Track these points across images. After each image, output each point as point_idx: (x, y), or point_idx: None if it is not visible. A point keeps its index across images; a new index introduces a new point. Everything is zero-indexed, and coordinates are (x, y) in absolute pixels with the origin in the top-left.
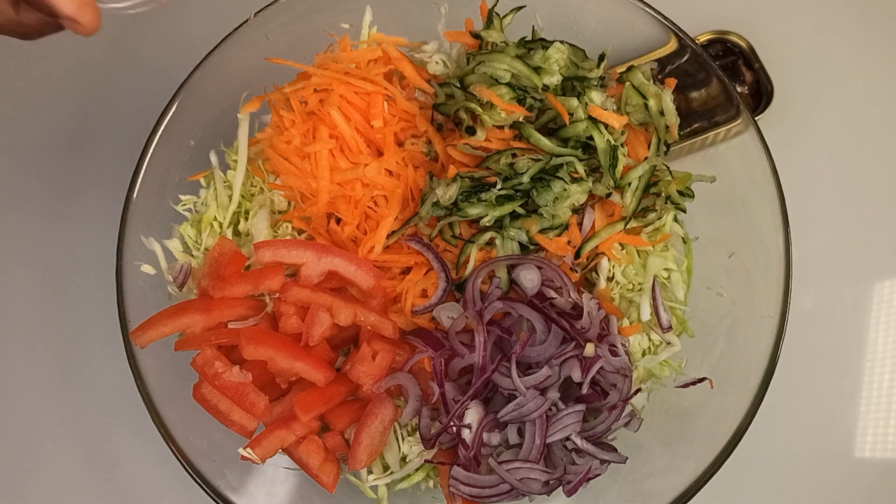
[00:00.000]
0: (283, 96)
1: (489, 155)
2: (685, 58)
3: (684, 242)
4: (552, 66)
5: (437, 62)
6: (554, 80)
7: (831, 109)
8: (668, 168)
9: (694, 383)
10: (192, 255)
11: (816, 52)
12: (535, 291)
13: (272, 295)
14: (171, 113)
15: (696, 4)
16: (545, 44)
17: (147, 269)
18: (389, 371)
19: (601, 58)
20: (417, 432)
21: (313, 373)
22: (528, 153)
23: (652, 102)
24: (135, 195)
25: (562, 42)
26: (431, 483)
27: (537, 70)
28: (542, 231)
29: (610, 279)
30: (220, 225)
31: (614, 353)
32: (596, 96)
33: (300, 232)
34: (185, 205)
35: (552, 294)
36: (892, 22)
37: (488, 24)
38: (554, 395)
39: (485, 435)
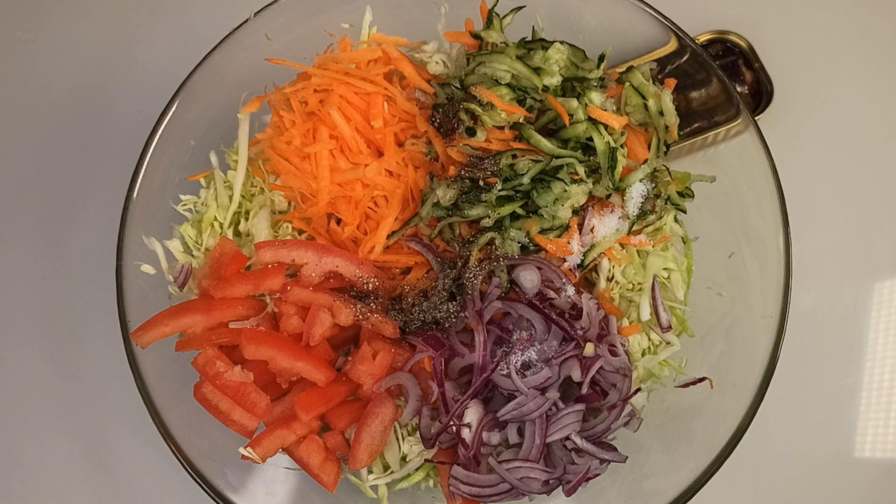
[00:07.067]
0: (283, 96)
1: (489, 156)
2: (685, 58)
3: (684, 242)
4: (552, 66)
5: (437, 62)
6: (554, 80)
7: (831, 109)
8: (668, 168)
9: (694, 383)
10: (193, 256)
11: (816, 52)
12: (535, 292)
13: (273, 295)
14: (171, 113)
15: (696, 4)
16: (545, 44)
17: (147, 269)
18: (390, 371)
19: (601, 58)
20: (417, 432)
21: (314, 372)
22: (528, 154)
23: (651, 103)
24: (135, 195)
25: (562, 42)
26: (431, 482)
27: (537, 71)
28: (542, 232)
29: (610, 279)
30: (221, 225)
31: (614, 353)
32: (596, 97)
33: (300, 232)
34: (185, 205)
35: (552, 294)
36: (891, 22)
37: (488, 24)
38: (554, 394)
39: (485, 434)
